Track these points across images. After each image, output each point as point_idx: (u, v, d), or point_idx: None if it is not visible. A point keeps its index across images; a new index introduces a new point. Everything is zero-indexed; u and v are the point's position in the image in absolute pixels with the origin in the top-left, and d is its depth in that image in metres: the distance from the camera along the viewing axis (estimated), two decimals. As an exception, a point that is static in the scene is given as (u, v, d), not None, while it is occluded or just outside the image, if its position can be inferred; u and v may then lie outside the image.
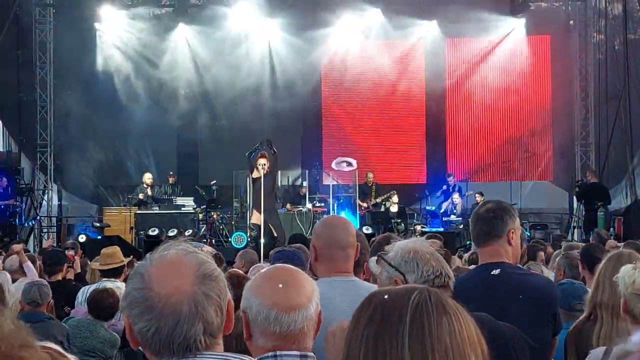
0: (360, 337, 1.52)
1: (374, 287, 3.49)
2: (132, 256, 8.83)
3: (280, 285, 2.38)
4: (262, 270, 2.56)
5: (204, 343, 1.90)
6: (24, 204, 18.88)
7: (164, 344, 1.88)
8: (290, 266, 2.56)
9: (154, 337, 1.88)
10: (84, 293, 7.24)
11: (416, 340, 1.47)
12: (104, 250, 7.94)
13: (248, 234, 16.27)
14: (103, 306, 6.26)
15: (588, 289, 4.80)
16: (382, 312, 1.52)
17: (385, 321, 1.50)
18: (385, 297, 1.56)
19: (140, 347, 1.97)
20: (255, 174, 14.70)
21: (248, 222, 17.01)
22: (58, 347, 1.91)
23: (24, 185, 19.16)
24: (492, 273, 3.58)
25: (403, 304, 1.52)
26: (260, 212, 14.48)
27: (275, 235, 14.87)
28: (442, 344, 1.48)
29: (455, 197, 19.11)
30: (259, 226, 14.65)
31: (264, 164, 14.39)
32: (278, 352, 2.34)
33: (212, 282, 1.92)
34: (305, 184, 20.10)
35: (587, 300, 3.84)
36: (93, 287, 7.30)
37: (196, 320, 1.88)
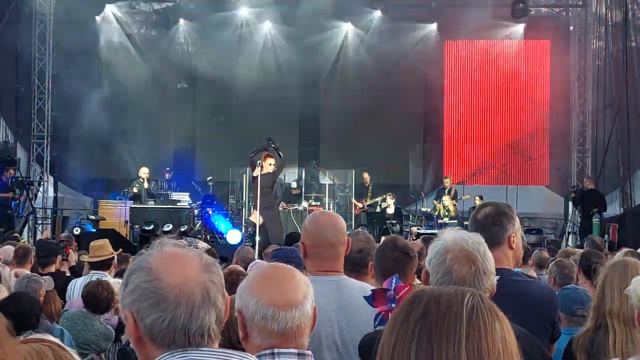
0: (412, 330, 1.51)
1: (364, 286, 3.48)
2: (121, 249, 8.79)
3: (276, 284, 2.39)
4: (255, 270, 2.55)
5: (215, 331, 1.93)
6: (23, 195, 18.78)
7: (179, 334, 1.89)
8: (283, 264, 2.57)
9: (169, 326, 1.88)
10: (72, 286, 7.21)
11: (473, 339, 1.48)
12: (92, 243, 7.87)
13: (243, 231, 16.23)
14: (99, 299, 6.24)
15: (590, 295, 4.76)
16: (437, 308, 1.52)
17: (442, 318, 1.50)
18: (438, 294, 1.56)
19: (136, 346, 1.95)
20: (255, 172, 14.62)
21: (243, 219, 16.98)
22: (57, 340, 1.92)
23: (21, 178, 19.02)
24: None
25: (458, 303, 1.52)
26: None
27: (269, 234, 14.79)
28: (496, 348, 1.49)
29: (445, 199, 18.88)
30: (254, 224, 14.59)
31: (272, 163, 14.31)
32: (276, 350, 2.34)
33: (214, 271, 1.96)
34: (294, 184, 19.99)
35: (592, 308, 3.78)
36: (81, 280, 7.26)
37: (210, 307, 1.91)
